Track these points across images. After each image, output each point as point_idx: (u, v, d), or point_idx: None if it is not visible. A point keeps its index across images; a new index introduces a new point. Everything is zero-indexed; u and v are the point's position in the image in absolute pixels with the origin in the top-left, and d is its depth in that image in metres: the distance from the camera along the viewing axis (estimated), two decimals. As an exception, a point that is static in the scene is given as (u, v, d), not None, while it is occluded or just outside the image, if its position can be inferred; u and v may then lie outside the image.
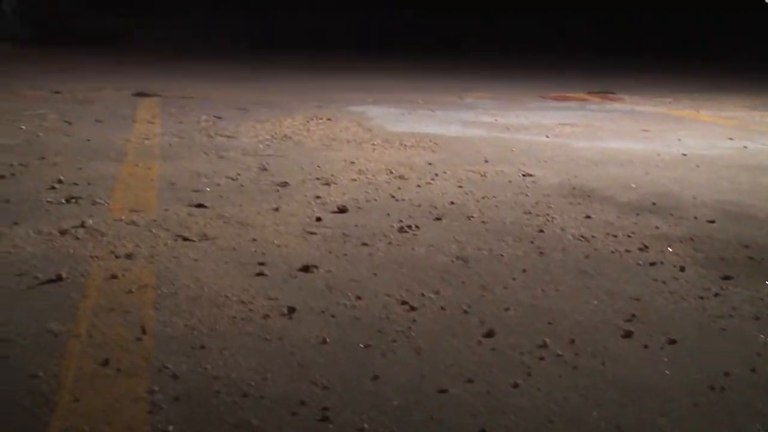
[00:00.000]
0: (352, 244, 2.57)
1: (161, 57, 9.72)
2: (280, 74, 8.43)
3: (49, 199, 2.93)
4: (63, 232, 2.52)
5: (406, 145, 4.31)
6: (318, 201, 3.08)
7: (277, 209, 2.93)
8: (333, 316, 1.99)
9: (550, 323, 2.00)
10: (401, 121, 5.20)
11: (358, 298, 2.11)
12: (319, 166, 3.73)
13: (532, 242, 2.65)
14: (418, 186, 3.39)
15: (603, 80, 7.71)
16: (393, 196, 3.20)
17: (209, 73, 8.35)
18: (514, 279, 2.30)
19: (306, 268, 2.31)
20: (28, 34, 11.11)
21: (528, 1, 13.42)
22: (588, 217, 2.97)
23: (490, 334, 1.91)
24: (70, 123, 4.68)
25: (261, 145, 4.22)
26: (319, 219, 2.83)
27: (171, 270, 2.26)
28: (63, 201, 2.91)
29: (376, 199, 3.15)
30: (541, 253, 2.54)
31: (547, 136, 4.74)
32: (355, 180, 3.46)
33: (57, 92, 6.12)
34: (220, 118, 5.09)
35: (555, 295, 2.19)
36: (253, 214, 2.87)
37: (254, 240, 2.56)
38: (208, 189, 3.22)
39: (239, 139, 4.37)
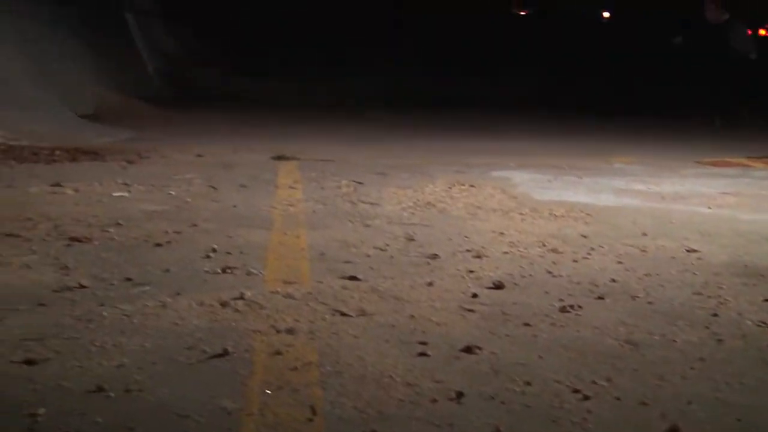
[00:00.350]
0: (513, 323, 2.58)
1: (296, 118, 10.12)
2: (417, 136, 8.62)
3: (206, 269, 3.09)
4: (224, 304, 2.65)
5: (555, 215, 4.30)
6: (471, 275, 3.12)
7: (431, 284, 2.98)
8: (503, 402, 2.01)
9: (739, 420, 1.94)
10: (548, 188, 5.20)
11: (527, 383, 2.12)
12: (467, 237, 3.77)
13: (707, 327, 2.58)
14: (575, 261, 3.37)
15: (766, 144, 7.45)
16: (549, 272, 3.20)
17: (343, 134, 8.64)
18: (692, 368, 2.25)
19: (469, 349, 2.34)
20: (168, 95, 11.83)
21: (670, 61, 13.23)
22: (767, 300, 2.87)
23: (674, 431, 1.86)
24: (215, 188, 4.94)
25: (405, 213, 4.31)
26: (475, 295, 2.86)
27: (332, 347, 2.34)
28: (219, 271, 3.07)
29: (531, 275, 3.15)
30: (719, 340, 2.47)
31: (709, 207, 4.62)
32: (507, 253, 3.48)
33: (200, 155, 6.47)
34: (361, 183, 5.24)
35: (740, 388, 2.12)
36: (406, 288, 2.93)
37: (412, 317, 2.61)
38: (358, 260, 3.31)
39: (382, 207, 4.48)
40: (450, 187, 5.11)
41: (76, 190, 4.69)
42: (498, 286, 2.97)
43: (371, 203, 4.58)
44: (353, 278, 3.02)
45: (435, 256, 3.39)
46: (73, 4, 11.27)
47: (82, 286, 2.79)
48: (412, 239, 3.71)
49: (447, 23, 15.36)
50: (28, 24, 9.99)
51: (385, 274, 3.11)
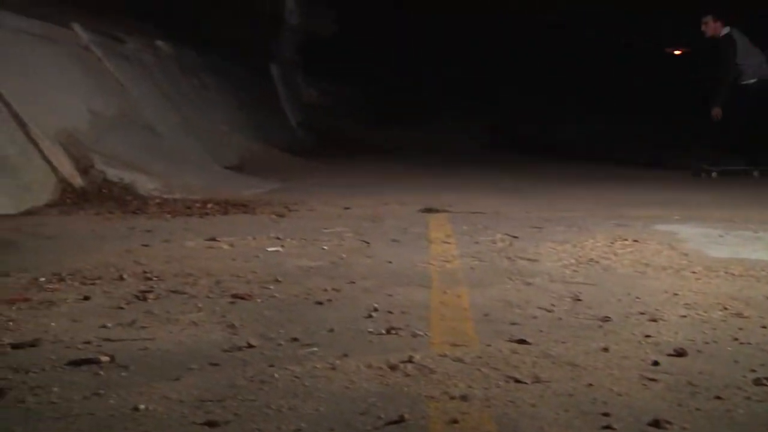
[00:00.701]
0: (703, 396, 2.49)
1: (442, 167, 10.24)
2: (568, 185, 8.53)
3: (369, 329, 3.15)
4: (393, 368, 2.69)
5: (733, 275, 4.14)
6: (649, 341, 3.03)
7: (606, 349, 2.92)
8: (703, 485, 1.93)
9: None
10: (720, 243, 5.01)
11: (727, 465, 2.03)
12: (638, 298, 3.68)
13: None
14: (763, 327, 3.22)
15: None
16: (735, 339, 3.07)
17: (492, 184, 8.65)
18: None
19: (657, 423, 2.27)
20: (311, 145, 12.24)
21: None
22: None
23: None
24: (367, 243, 5.04)
25: (567, 271, 4.26)
26: (656, 363, 2.78)
27: (510, 416, 2.32)
28: (383, 331, 3.12)
29: (715, 342, 3.04)
30: None
31: None
32: (685, 316, 3.38)
33: (347, 208, 6.64)
34: (516, 237, 5.23)
35: None
36: (580, 353, 2.88)
37: (590, 385, 2.57)
38: (525, 322, 3.29)
39: (542, 263, 4.45)
40: (612, 243, 5.01)
41: (232, 245, 4.89)
42: (680, 353, 2.87)
43: (529, 259, 4.55)
44: (523, 342, 3.00)
45: (606, 319, 3.32)
46: (218, 55, 11.90)
47: (251, 346, 2.90)
48: (579, 300, 3.65)
49: (601, 66, 15.25)
50: (176, 76, 10.62)
51: (556, 337, 3.08)
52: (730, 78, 9.58)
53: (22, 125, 6.32)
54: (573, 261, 4.50)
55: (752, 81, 9.64)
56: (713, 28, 9.68)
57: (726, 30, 9.65)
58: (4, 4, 7.34)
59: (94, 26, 9.04)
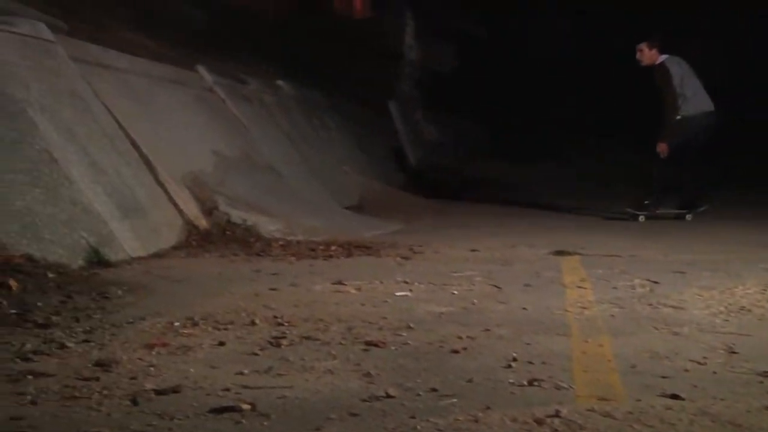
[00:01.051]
0: None
1: (572, 207, 10.10)
2: (709, 225, 8.28)
3: (510, 380, 3.13)
4: (539, 422, 2.66)
5: None
6: (819, 399, 2.90)
7: (770, 408, 2.81)
8: None
9: None
10: None
11: None
12: (801, 351, 3.53)
13: None
14: None
15: None
16: None
17: (627, 225, 8.47)
18: None
19: (835, 492, 2.17)
20: (431, 184, 12.32)
21: None
22: None
23: None
24: (499, 288, 5.02)
25: (717, 320, 4.13)
26: (828, 425, 2.65)
27: (670, 479, 2.26)
28: (525, 383, 3.09)
29: None
30: None
31: None
32: None
33: (474, 250, 6.63)
34: (656, 282, 5.10)
35: None
36: (742, 412, 2.78)
37: (756, 448, 2.48)
38: (676, 375, 3.20)
39: (688, 311, 4.32)
40: (765, 289, 4.83)
41: (359, 289, 4.95)
42: None
43: (674, 307, 4.43)
44: (676, 397, 2.92)
45: (767, 374, 3.20)
46: (336, 93, 12.17)
47: (389, 396, 2.92)
48: (734, 352, 3.53)
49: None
50: (297, 115, 10.91)
51: (712, 393, 2.98)
52: (677, 109, 9.06)
53: (151, 168, 6.61)
54: (722, 309, 4.36)
55: (678, 118, 9.11)
56: (649, 56, 9.16)
57: (662, 58, 9.15)
58: (137, 50, 7.74)
59: (218, 68, 9.42)
